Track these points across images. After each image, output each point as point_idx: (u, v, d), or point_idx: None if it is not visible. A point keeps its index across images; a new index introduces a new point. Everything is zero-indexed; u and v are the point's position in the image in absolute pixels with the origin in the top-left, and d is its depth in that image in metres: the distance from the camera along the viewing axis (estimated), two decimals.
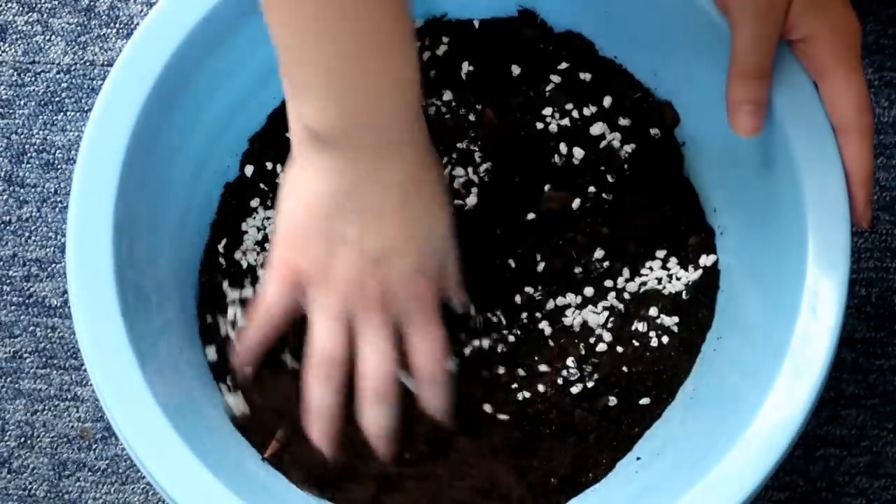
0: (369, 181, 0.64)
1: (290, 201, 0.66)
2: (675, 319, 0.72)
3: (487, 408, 0.71)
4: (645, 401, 0.71)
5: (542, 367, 0.72)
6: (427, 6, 0.74)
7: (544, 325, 0.72)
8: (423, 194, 0.66)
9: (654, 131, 0.73)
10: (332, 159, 0.64)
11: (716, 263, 0.73)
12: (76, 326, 0.65)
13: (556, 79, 0.74)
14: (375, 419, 0.67)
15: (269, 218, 0.74)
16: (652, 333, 0.72)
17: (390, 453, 0.68)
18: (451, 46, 0.75)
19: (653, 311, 0.72)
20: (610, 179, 0.73)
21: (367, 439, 0.68)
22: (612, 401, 0.71)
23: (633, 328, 0.72)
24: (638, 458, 0.70)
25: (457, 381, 0.69)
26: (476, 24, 0.75)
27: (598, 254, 0.73)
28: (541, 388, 0.71)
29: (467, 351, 0.72)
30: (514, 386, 0.71)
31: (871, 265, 0.82)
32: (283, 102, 0.74)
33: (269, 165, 0.74)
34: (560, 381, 0.71)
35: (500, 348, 0.72)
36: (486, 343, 0.72)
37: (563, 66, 0.74)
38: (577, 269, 0.73)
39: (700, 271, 0.73)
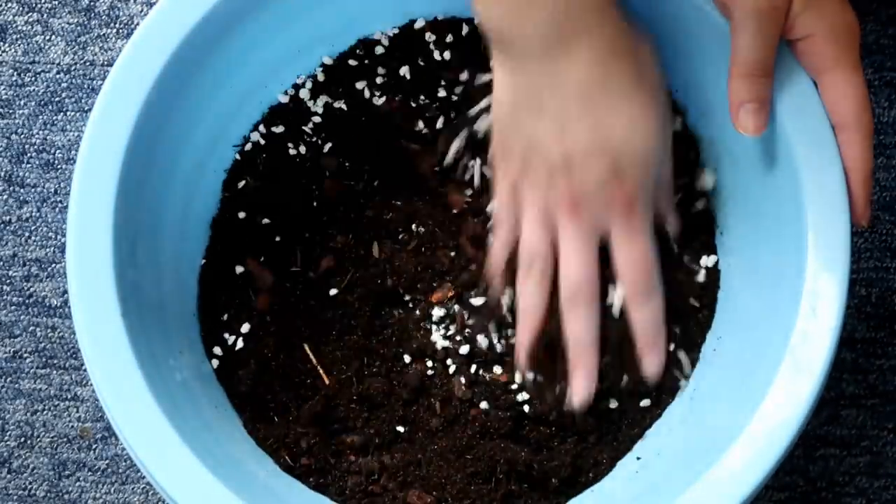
0: (548, 81, 0.63)
1: (493, 105, 0.67)
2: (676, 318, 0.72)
3: (486, 406, 0.71)
4: (645, 402, 0.71)
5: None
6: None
7: None
8: (612, 93, 0.64)
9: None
10: (511, 59, 0.64)
11: (716, 264, 0.73)
12: (76, 326, 0.65)
13: None
14: (577, 321, 0.67)
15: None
16: None
17: (591, 361, 0.68)
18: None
19: None
20: None
21: (568, 347, 0.68)
22: (613, 402, 0.71)
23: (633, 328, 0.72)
24: (638, 458, 0.70)
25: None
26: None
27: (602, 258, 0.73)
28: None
29: (464, 350, 0.72)
30: (514, 386, 0.71)
31: (871, 265, 0.82)
32: (281, 103, 0.74)
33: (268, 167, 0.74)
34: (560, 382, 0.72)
35: (499, 348, 0.72)
36: (484, 343, 0.72)
37: None
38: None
39: (701, 271, 0.73)
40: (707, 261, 0.73)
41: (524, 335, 0.69)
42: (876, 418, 0.80)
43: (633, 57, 0.65)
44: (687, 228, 0.73)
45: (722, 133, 0.70)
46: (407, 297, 0.73)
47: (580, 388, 0.69)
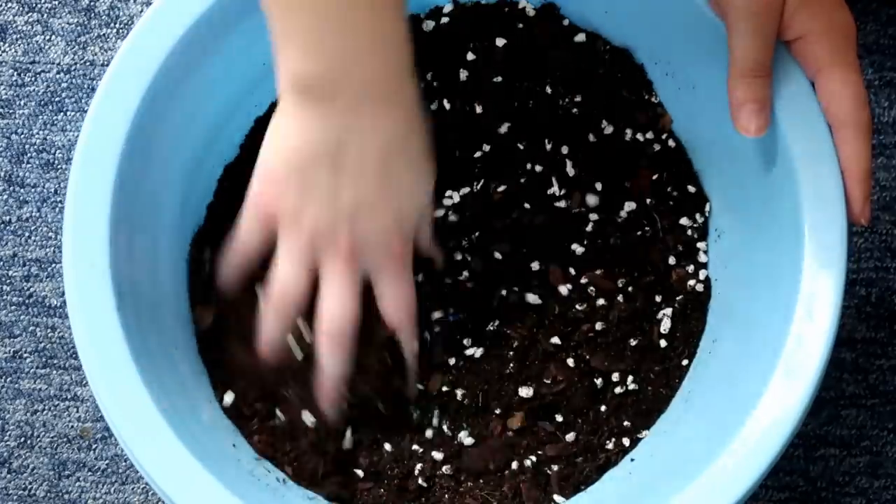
0: (351, 137, 0.64)
1: (271, 147, 0.66)
2: (671, 320, 0.72)
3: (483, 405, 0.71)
4: (641, 405, 0.71)
5: (539, 368, 0.72)
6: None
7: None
8: (405, 154, 0.66)
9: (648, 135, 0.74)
10: (315, 111, 0.64)
11: (712, 266, 0.73)
12: (71, 320, 0.65)
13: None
14: (328, 361, 0.68)
15: None
16: (648, 335, 0.72)
17: (336, 402, 0.69)
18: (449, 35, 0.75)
19: (649, 313, 0.72)
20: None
21: (317, 387, 0.69)
22: (608, 403, 0.71)
23: (629, 328, 0.72)
24: (632, 460, 0.70)
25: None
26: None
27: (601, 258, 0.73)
28: (537, 388, 0.72)
29: (469, 353, 0.72)
30: (511, 386, 0.72)
31: (871, 265, 0.82)
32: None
33: None
34: (557, 381, 0.72)
35: (494, 350, 0.72)
36: (478, 352, 0.72)
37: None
38: (572, 270, 0.73)
39: (697, 273, 0.73)
40: (703, 262, 0.73)
41: (267, 360, 0.69)
42: (876, 418, 0.80)
43: (422, 122, 0.67)
44: (684, 230, 0.73)
45: (719, 134, 0.70)
46: None
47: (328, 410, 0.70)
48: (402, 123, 0.65)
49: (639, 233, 0.73)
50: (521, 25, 0.74)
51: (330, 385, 0.68)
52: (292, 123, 0.65)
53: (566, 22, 0.74)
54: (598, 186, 0.74)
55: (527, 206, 0.73)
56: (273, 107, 0.74)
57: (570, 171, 0.74)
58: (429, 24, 0.75)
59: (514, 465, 0.70)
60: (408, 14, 0.64)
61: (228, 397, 0.71)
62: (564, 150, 0.74)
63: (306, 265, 0.67)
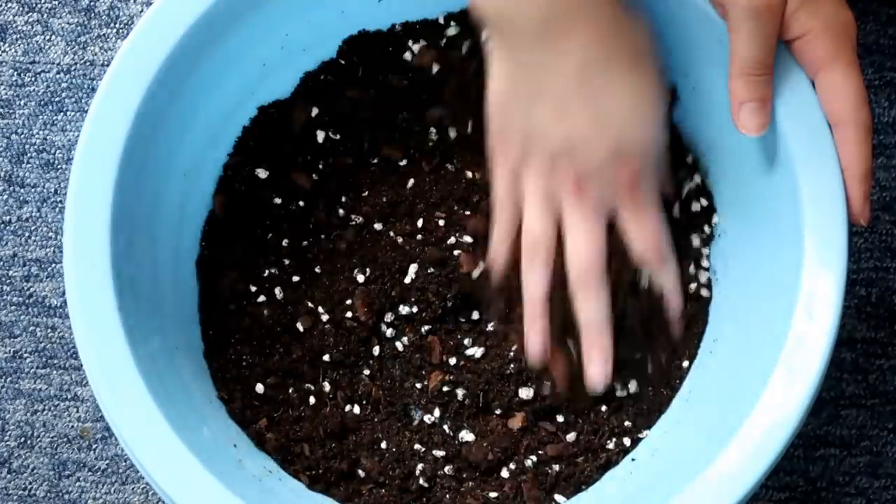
0: (543, 66, 0.63)
1: (488, 92, 0.66)
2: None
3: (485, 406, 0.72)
4: (642, 405, 0.71)
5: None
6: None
7: None
8: (609, 76, 0.64)
9: None
10: (504, 45, 0.64)
11: (713, 266, 0.73)
12: (72, 320, 0.65)
13: None
14: (588, 301, 0.67)
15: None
16: (648, 335, 0.72)
17: (605, 341, 0.68)
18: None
19: (650, 313, 0.72)
20: None
21: (581, 330, 0.68)
22: (609, 403, 0.71)
23: (630, 328, 0.72)
24: (633, 460, 0.70)
25: None
26: None
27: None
28: (538, 389, 0.72)
29: (469, 353, 0.72)
30: (512, 387, 0.72)
31: (871, 265, 0.82)
32: (278, 101, 0.74)
33: (265, 164, 0.74)
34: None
35: (495, 350, 0.72)
36: (479, 352, 0.72)
37: None
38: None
39: (698, 273, 0.73)
40: (704, 262, 0.73)
41: (534, 325, 0.68)
42: (876, 418, 0.80)
43: (629, 39, 0.65)
44: (684, 230, 0.73)
45: (720, 134, 0.70)
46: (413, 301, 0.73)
47: (596, 370, 0.68)
48: (598, 40, 0.63)
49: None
50: None
51: (595, 331, 0.67)
52: (495, 64, 0.65)
53: None
54: None
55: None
56: (275, 105, 0.74)
57: None
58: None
59: (515, 464, 0.70)
60: None
61: (230, 397, 0.71)
62: None
63: (547, 207, 0.66)
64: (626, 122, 0.65)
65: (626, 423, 0.71)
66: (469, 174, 0.74)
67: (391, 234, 0.74)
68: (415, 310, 0.73)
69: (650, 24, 0.66)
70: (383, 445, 0.71)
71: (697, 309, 0.72)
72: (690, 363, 0.72)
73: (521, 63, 0.64)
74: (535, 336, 0.69)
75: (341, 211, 0.74)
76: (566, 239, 0.67)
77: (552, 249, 0.67)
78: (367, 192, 0.74)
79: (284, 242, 0.74)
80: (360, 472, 0.71)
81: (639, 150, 0.65)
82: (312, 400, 0.72)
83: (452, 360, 0.72)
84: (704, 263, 0.73)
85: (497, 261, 0.70)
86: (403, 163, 0.75)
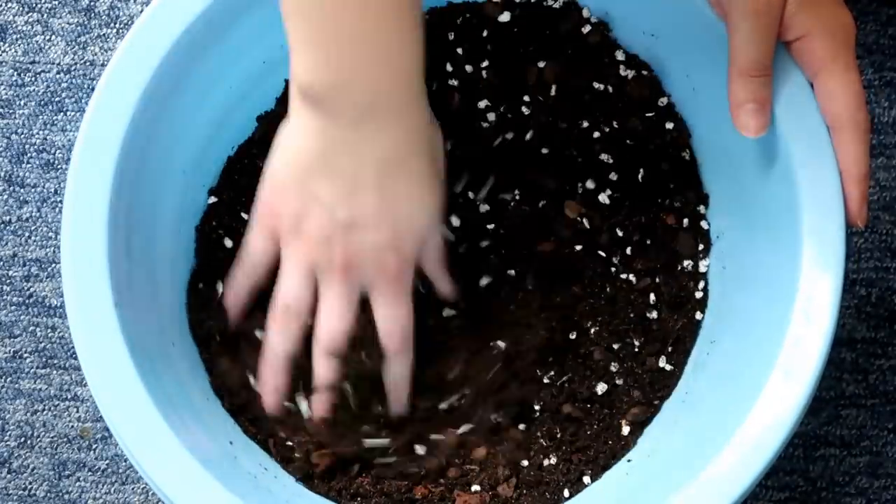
0: (349, 148, 0.64)
1: (277, 154, 0.67)
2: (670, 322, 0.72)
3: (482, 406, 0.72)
4: (639, 406, 0.71)
5: (538, 371, 0.72)
6: None
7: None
8: (407, 172, 0.65)
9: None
10: (317, 118, 0.64)
11: (711, 267, 0.73)
12: (69, 317, 0.65)
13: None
14: (323, 371, 0.68)
15: None
16: (646, 336, 0.72)
17: (325, 410, 0.69)
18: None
19: (647, 314, 0.72)
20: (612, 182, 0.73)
21: (314, 395, 0.69)
22: (607, 404, 0.71)
23: (627, 329, 0.72)
24: (629, 460, 0.70)
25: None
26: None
27: (600, 258, 0.73)
28: (536, 390, 0.72)
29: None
30: (511, 387, 0.72)
31: (871, 265, 0.82)
32: (277, 100, 0.74)
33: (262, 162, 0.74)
34: (556, 383, 0.71)
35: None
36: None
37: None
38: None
39: (696, 274, 0.73)
40: (702, 264, 0.73)
41: (276, 379, 0.70)
42: (876, 418, 0.80)
43: (429, 144, 0.66)
44: (683, 231, 0.73)
45: (719, 135, 0.70)
46: None
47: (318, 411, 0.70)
48: (406, 138, 0.65)
49: (638, 232, 0.73)
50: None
51: (323, 395, 0.69)
52: (297, 132, 0.65)
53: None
54: (597, 189, 0.74)
55: (518, 194, 0.73)
56: (276, 103, 0.74)
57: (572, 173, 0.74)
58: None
59: (513, 465, 0.70)
60: (422, 19, 0.64)
61: (227, 395, 0.71)
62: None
63: (308, 276, 0.67)
64: (408, 217, 0.66)
65: (623, 424, 0.71)
66: None
67: None
68: None
69: (439, 139, 0.67)
70: (385, 447, 0.71)
71: (695, 310, 0.72)
72: (688, 363, 0.72)
73: (324, 140, 0.64)
74: (272, 391, 0.70)
75: None
76: (321, 309, 0.68)
77: (305, 316, 0.68)
78: None
79: None
80: (360, 471, 0.71)
81: (414, 245, 0.67)
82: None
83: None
84: (702, 264, 0.73)
85: (234, 301, 0.71)
86: None
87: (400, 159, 0.65)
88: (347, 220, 0.65)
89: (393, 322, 0.68)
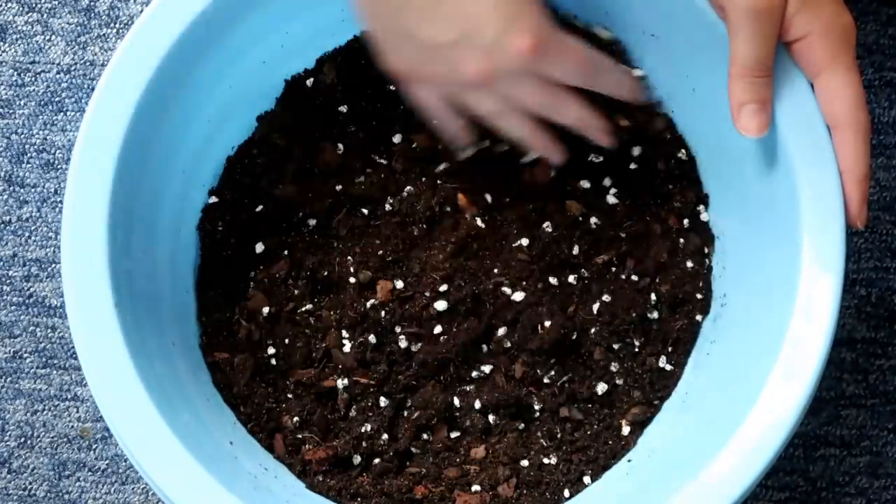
0: None
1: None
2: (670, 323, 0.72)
3: (482, 407, 0.71)
4: (639, 406, 0.71)
5: (538, 371, 0.72)
6: None
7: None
8: None
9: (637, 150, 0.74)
10: None
11: (711, 266, 0.73)
12: (69, 316, 0.65)
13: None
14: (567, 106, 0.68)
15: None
16: (646, 336, 0.72)
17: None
18: None
19: (647, 314, 0.72)
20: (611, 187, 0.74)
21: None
22: (607, 404, 0.71)
23: (627, 329, 0.72)
24: (629, 461, 0.70)
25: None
26: None
27: (601, 258, 0.73)
28: (536, 390, 0.72)
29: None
30: (511, 387, 0.72)
31: (871, 265, 0.82)
32: (277, 100, 0.74)
33: (263, 163, 0.74)
34: (556, 384, 0.71)
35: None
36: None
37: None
38: (572, 277, 0.73)
39: (696, 274, 0.73)
40: (702, 264, 0.73)
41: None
42: (876, 418, 0.80)
43: None
44: (683, 231, 0.73)
45: (719, 135, 0.70)
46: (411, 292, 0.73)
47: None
48: None
49: (638, 233, 0.73)
50: None
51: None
52: None
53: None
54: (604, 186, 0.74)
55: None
56: (276, 103, 0.74)
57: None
58: None
59: (513, 465, 0.70)
60: None
61: (227, 394, 0.71)
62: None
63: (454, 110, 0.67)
64: (511, 16, 0.64)
65: (624, 424, 0.71)
66: None
67: (393, 223, 0.74)
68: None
69: None
70: (383, 447, 0.71)
71: (695, 310, 0.72)
72: (688, 363, 0.72)
73: None
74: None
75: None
76: (516, 100, 0.66)
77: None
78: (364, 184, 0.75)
79: (284, 239, 0.74)
80: (359, 471, 0.71)
81: (531, 18, 0.64)
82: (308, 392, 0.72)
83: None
84: (702, 264, 0.73)
85: (452, 128, 0.70)
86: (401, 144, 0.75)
87: None
88: (448, 41, 0.64)
89: (569, 73, 0.66)
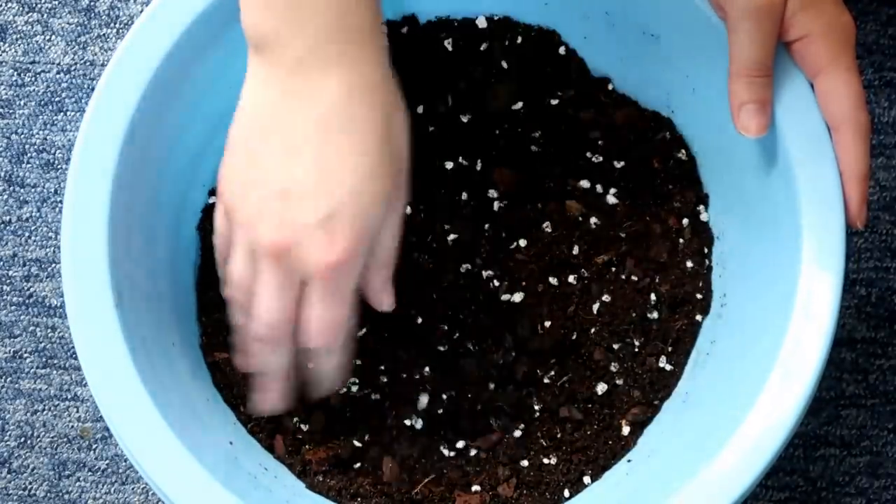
0: (290, 102, 0.57)
1: (234, 121, 0.60)
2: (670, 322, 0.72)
3: (482, 407, 0.72)
4: (639, 406, 0.71)
5: (538, 371, 0.72)
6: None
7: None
8: (354, 135, 0.57)
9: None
10: (262, 67, 0.58)
11: (711, 267, 0.73)
12: (69, 316, 0.65)
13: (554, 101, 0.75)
14: (263, 356, 0.63)
15: None
16: (646, 336, 0.72)
17: (276, 398, 0.65)
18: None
19: (647, 314, 0.72)
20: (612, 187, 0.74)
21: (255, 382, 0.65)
22: (607, 405, 0.71)
23: (627, 329, 0.72)
24: (629, 460, 0.70)
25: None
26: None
27: (600, 258, 0.73)
28: (536, 390, 0.72)
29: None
30: (511, 387, 0.72)
31: (871, 265, 0.82)
32: None
33: None
34: (556, 384, 0.71)
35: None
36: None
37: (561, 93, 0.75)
38: (572, 277, 0.73)
39: (696, 274, 0.73)
40: (702, 264, 0.73)
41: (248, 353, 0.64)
42: (876, 418, 0.80)
43: (383, 104, 0.59)
44: (683, 231, 0.73)
45: (719, 135, 0.70)
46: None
47: (262, 403, 0.66)
48: (354, 96, 0.57)
49: (638, 233, 0.73)
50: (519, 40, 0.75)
51: (270, 382, 0.65)
52: (247, 86, 0.59)
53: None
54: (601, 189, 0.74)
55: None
56: None
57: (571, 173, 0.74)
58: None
59: (513, 465, 0.70)
60: None
61: (227, 394, 0.71)
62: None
63: (249, 256, 0.61)
64: (348, 194, 0.57)
65: (623, 424, 0.71)
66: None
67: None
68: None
69: (400, 104, 0.60)
70: (383, 448, 0.71)
71: (695, 310, 0.72)
72: (687, 363, 0.72)
73: (269, 92, 0.58)
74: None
75: None
76: (255, 295, 0.61)
77: (248, 299, 0.62)
78: None
79: None
80: (358, 471, 0.71)
81: (354, 231, 0.58)
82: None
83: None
84: (702, 264, 0.73)
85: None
86: None
87: (344, 119, 0.57)
88: (280, 188, 0.57)
89: (323, 322, 0.60)
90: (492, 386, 0.72)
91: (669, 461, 0.68)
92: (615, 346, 0.72)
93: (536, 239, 0.73)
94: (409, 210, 0.73)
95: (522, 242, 0.73)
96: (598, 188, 0.74)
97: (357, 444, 0.71)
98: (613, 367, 0.72)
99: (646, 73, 0.73)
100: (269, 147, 0.58)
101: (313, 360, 0.64)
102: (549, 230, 0.73)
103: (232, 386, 0.71)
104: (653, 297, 0.72)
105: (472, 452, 0.71)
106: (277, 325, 0.61)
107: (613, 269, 0.73)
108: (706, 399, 0.69)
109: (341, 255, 0.58)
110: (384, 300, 0.64)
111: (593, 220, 0.73)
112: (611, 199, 0.74)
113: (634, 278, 0.73)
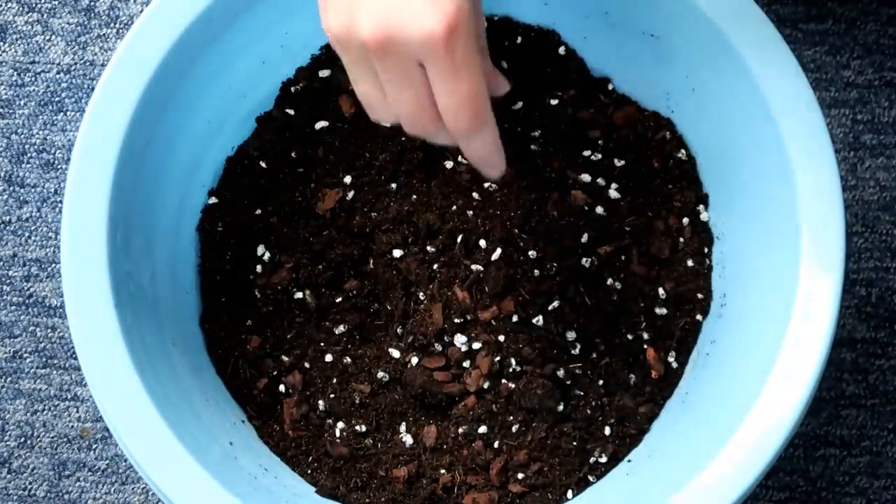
0: None
1: None
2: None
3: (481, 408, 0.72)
4: (642, 408, 0.71)
5: (539, 371, 0.72)
6: None
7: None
8: None
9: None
10: None
11: (711, 267, 0.73)
12: (69, 317, 0.65)
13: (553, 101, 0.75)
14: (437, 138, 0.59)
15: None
16: (650, 332, 0.72)
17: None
18: None
19: (647, 314, 0.72)
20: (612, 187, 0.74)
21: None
22: (608, 403, 0.71)
23: (627, 331, 0.72)
24: (629, 461, 0.70)
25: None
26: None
27: (603, 249, 0.73)
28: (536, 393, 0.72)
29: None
30: (512, 387, 0.72)
31: (871, 265, 0.82)
32: (277, 101, 0.75)
33: (263, 164, 0.74)
34: (557, 383, 0.72)
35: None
36: (475, 344, 0.72)
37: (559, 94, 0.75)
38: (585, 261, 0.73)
39: (696, 274, 0.73)
40: (702, 264, 0.73)
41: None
42: (876, 418, 0.80)
43: None
44: (683, 231, 0.73)
45: (718, 135, 0.70)
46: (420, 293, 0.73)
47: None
48: None
49: (637, 233, 0.73)
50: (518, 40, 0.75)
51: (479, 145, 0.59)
52: None
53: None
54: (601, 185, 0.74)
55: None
56: (276, 103, 0.74)
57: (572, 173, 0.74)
58: None
59: (515, 465, 0.70)
60: None
61: (229, 391, 0.71)
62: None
63: (369, 71, 0.58)
64: None
65: (624, 424, 0.71)
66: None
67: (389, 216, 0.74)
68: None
69: None
70: (383, 450, 0.71)
71: (696, 311, 0.72)
72: (688, 363, 0.72)
73: None
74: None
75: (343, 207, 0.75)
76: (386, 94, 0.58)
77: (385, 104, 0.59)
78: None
79: (284, 239, 0.74)
80: (358, 472, 0.71)
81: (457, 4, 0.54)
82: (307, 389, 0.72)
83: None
84: (702, 264, 0.73)
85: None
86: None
87: None
88: None
89: (452, 99, 0.56)
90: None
91: (669, 461, 0.68)
92: (617, 345, 0.72)
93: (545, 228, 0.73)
94: (406, 207, 0.73)
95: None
96: (601, 181, 0.74)
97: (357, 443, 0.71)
98: (615, 366, 0.72)
99: (646, 73, 0.73)
100: None
101: (465, 149, 0.59)
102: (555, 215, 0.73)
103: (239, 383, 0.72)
104: (661, 291, 0.72)
105: (476, 452, 0.71)
106: (420, 115, 0.57)
107: (617, 263, 0.73)
108: (706, 399, 0.69)
109: (451, 19, 0.54)
110: (500, 83, 0.62)
111: (599, 209, 0.73)
112: (613, 194, 0.74)
113: (635, 278, 0.73)
